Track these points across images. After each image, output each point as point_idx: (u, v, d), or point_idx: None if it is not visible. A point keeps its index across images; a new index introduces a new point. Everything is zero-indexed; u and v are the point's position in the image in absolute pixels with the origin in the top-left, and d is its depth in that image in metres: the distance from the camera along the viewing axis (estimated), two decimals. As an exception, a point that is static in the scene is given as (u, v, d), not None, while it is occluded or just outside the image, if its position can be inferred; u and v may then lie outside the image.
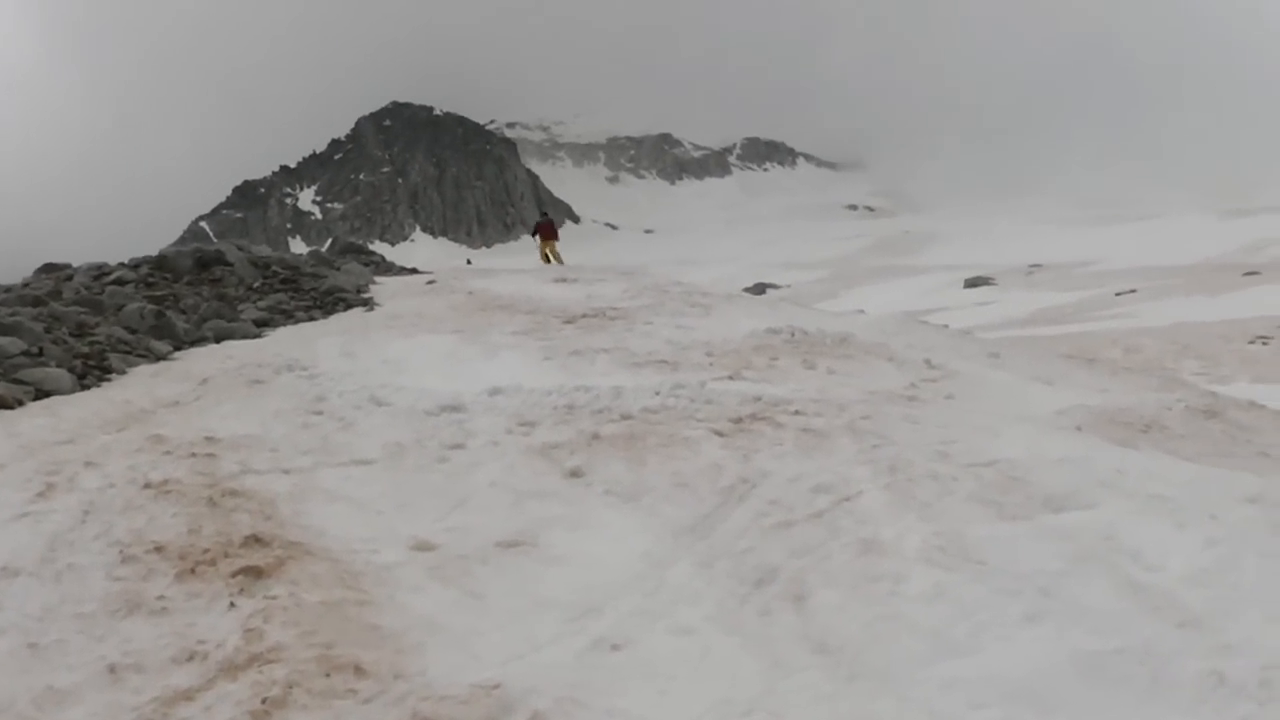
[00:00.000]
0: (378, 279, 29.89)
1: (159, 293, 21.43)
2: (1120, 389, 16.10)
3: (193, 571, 7.70)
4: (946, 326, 26.25)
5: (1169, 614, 6.89)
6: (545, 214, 54.89)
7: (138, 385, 14.49)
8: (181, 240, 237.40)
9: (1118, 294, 76.18)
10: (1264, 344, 35.61)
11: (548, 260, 46.80)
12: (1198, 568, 7.52)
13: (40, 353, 15.00)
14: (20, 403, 13.21)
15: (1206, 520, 8.43)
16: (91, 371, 15.03)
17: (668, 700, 6.37)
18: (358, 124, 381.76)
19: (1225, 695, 6.01)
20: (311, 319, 21.56)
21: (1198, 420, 13.71)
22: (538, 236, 49.02)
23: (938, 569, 7.69)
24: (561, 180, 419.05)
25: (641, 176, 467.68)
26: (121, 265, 24.24)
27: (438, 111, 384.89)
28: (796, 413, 12.17)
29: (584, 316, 20.66)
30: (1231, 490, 9.34)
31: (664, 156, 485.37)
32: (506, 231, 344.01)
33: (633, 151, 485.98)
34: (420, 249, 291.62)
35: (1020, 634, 6.77)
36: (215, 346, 17.83)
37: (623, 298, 23.79)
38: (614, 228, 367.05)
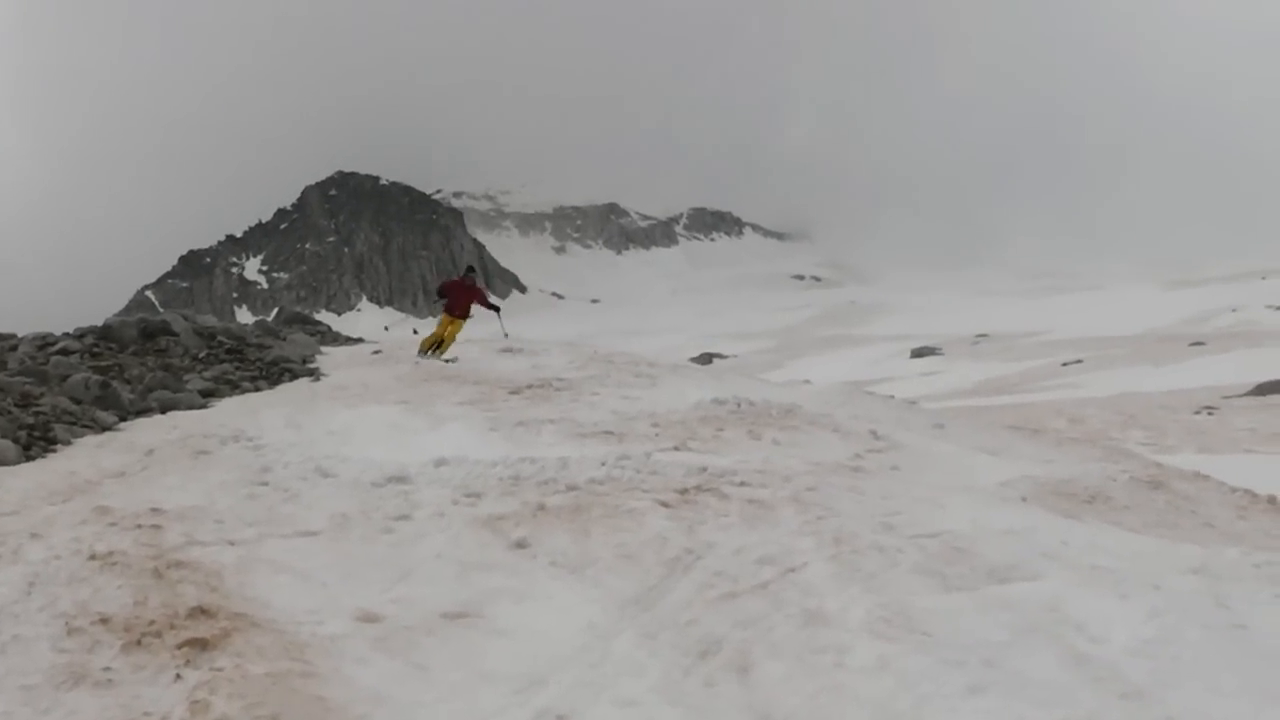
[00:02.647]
0: (323, 349, 29.89)
1: (104, 363, 21.35)
2: (1065, 460, 16.20)
3: (138, 643, 7.66)
4: (892, 397, 26.37)
5: (1112, 685, 6.93)
6: (470, 269, 34.44)
7: (83, 456, 14.42)
8: (127, 309, 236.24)
9: (1063, 364, 76.66)
10: (1209, 414, 35.83)
11: (434, 348, 29.83)
12: (1141, 639, 7.56)
13: (-16, 423, 14.92)
14: (-36, 474, 13.13)
15: (1150, 591, 8.50)
16: (36, 442, 14.93)
17: (612, 773, 6.38)
18: (304, 193, 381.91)
19: (1167, 766, 6.05)
20: (257, 389, 21.53)
21: (1142, 491, 13.81)
22: (442, 303, 30.91)
23: (882, 640, 7.72)
24: (508, 250, 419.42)
25: (588, 246, 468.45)
26: (66, 335, 24.17)
27: (384, 181, 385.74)
28: (742, 484, 12.23)
29: (530, 387, 20.70)
30: (1175, 561, 9.43)
31: (610, 226, 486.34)
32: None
33: (579, 221, 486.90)
34: (366, 318, 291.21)
35: (964, 706, 6.79)
36: (161, 417, 17.75)
37: (569, 368, 23.84)
38: (560, 297, 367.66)
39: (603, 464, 13.18)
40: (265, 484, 12.71)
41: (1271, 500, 14.47)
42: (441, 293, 31.62)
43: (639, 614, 8.80)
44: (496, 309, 32.14)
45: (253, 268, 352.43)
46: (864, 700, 6.98)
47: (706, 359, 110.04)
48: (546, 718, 7.04)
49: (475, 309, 31.25)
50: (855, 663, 7.46)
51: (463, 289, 31.11)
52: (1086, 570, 9.09)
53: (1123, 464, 15.97)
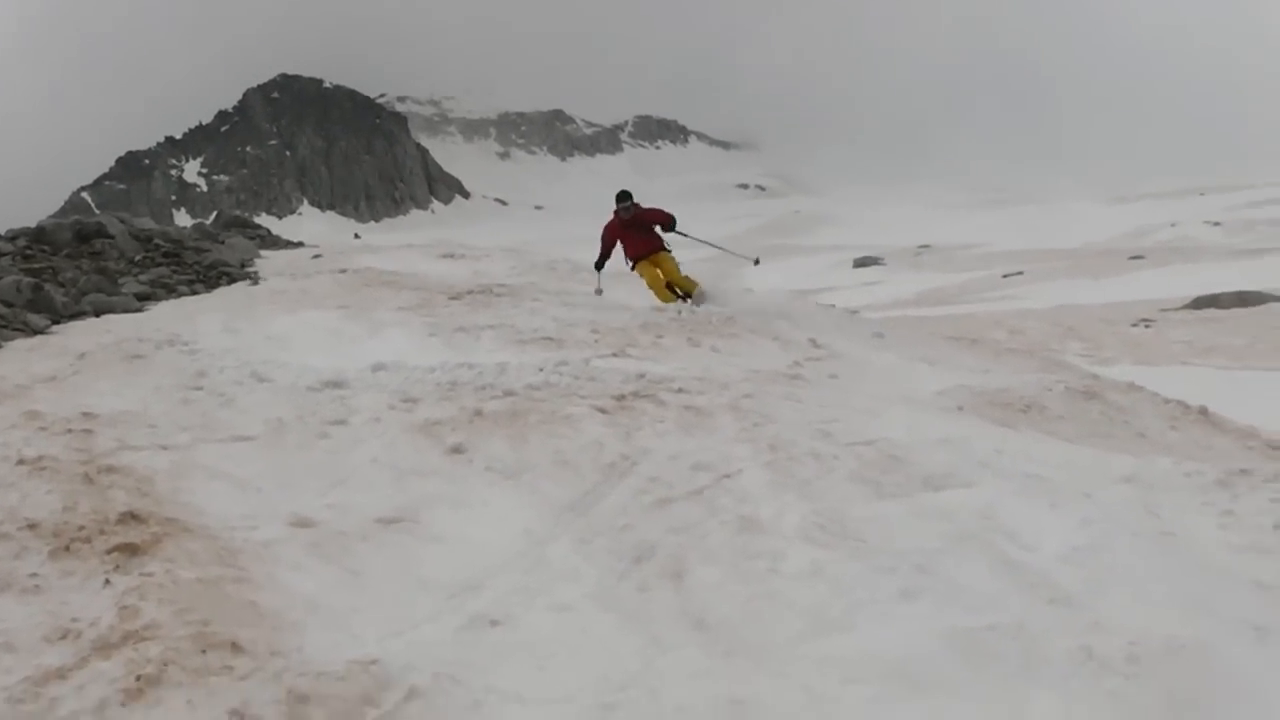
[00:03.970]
0: (263, 253, 29.66)
1: (37, 265, 21.11)
2: (1002, 370, 16.25)
3: (67, 549, 7.59)
4: (833, 306, 26.39)
5: (1042, 592, 6.99)
6: (624, 195, 22.55)
7: (13, 360, 14.28)
8: (62, 211, 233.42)
9: (1004, 276, 77.04)
10: (1146, 327, 36.15)
11: (676, 295, 22.38)
12: (1071, 547, 7.63)
13: (-86, 326, 14.77)
14: (-106, 376, 13.00)
15: (1082, 500, 8.57)
16: (-34, 345, 14.80)
17: (545, 677, 6.38)
18: (245, 96, 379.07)
19: (1094, 670, 6.10)
20: (194, 293, 21.36)
21: (1077, 401, 13.87)
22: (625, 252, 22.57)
23: (816, 547, 7.75)
24: (452, 156, 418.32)
25: (533, 153, 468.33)
26: (-1, 236, 23.86)
27: (327, 84, 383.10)
28: (679, 390, 12.22)
29: (470, 293, 20.60)
30: (1107, 471, 9.50)
31: (555, 133, 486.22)
32: (395, 206, 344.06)
33: (524, 127, 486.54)
34: (307, 223, 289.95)
35: (896, 611, 6.84)
36: (94, 320, 17.59)
37: (510, 274, 23.78)
38: (504, 204, 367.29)
39: (541, 370, 13.14)
40: (200, 389, 12.61)
41: (1203, 411, 14.63)
42: (607, 248, 22.49)
43: (574, 520, 8.80)
44: (671, 222, 22.36)
45: (192, 170, 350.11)
46: (797, 606, 7.01)
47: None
48: (481, 623, 7.03)
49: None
50: (789, 569, 7.49)
51: (629, 225, 22.19)
52: (1020, 479, 9.13)
53: (1058, 375, 16.05)
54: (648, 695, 6.13)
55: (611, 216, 22.27)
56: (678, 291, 22.39)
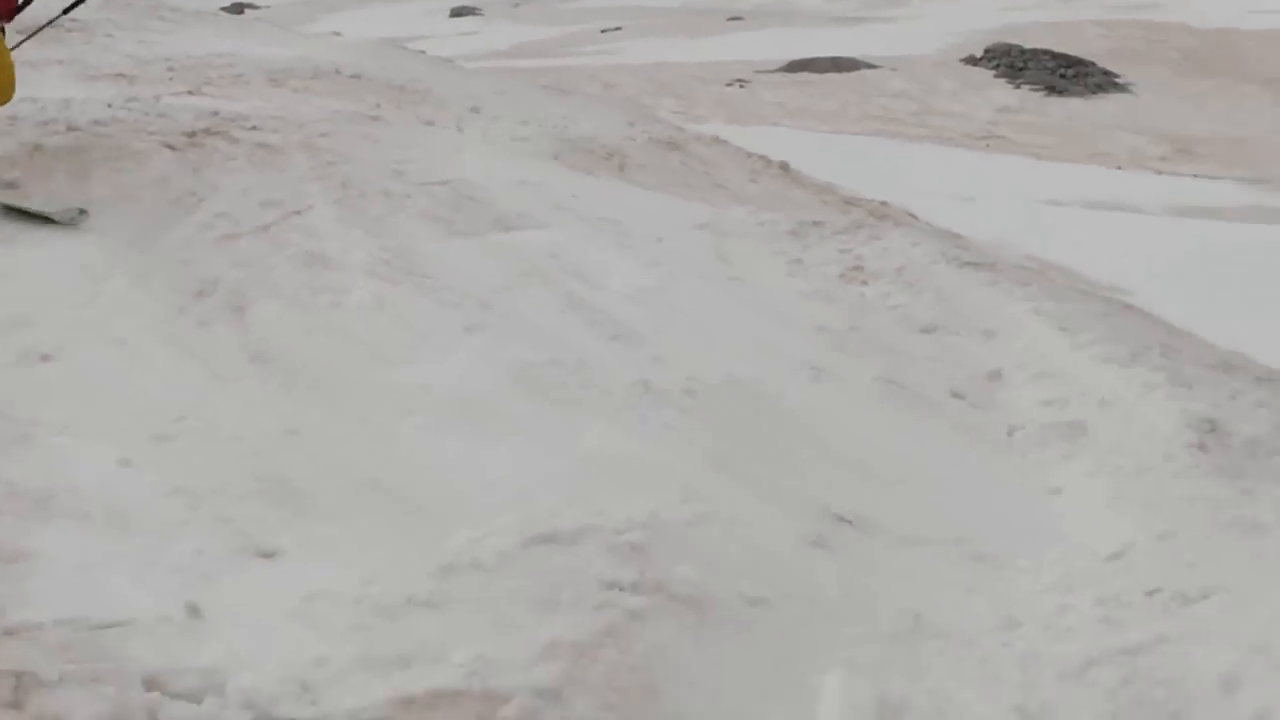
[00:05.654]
0: None
1: None
2: (587, 119, 16.30)
3: None
4: (423, 53, 26.12)
5: (605, 329, 7.14)
6: None
7: None
8: None
9: (602, 31, 77.28)
10: (740, 87, 36.86)
11: None
12: (638, 287, 7.79)
13: None
14: None
15: (653, 244, 8.74)
16: None
17: (96, 409, 6.21)
18: None
19: (650, 402, 6.26)
20: None
21: (659, 151, 14.04)
22: None
23: (381, 282, 7.72)
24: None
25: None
26: None
27: None
28: (253, 128, 11.90)
29: (39, 29, 19.77)
30: (682, 217, 9.71)
31: None
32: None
33: None
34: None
35: (458, 346, 6.89)
36: None
37: (83, 9, 22.80)
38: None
39: (109, 106, 12.63)
40: None
41: (784, 167, 14.97)
42: None
43: (135, 255, 8.52)
44: None
45: None
46: (359, 339, 7.00)
47: (238, 9, 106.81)
48: (31, 358, 6.78)
49: None
50: (353, 302, 7.45)
51: None
52: (594, 221, 9.26)
53: (642, 125, 16.17)
54: (203, 426, 6.05)
55: None
56: None
